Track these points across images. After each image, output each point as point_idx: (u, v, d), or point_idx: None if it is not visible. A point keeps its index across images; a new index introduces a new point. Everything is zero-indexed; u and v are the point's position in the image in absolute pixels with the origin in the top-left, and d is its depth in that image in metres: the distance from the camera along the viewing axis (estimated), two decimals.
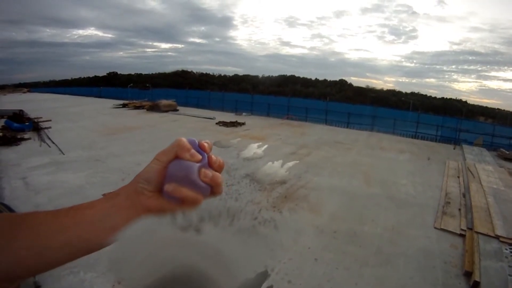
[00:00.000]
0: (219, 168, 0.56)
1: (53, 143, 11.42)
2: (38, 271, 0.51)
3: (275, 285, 4.08)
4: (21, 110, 17.38)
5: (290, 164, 9.91)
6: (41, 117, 16.80)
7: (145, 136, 13.51)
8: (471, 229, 5.79)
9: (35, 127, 14.49)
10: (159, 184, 0.52)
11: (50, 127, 14.61)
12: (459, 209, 6.82)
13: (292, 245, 5.15)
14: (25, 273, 0.51)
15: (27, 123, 14.75)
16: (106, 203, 0.53)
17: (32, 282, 3.77)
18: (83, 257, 0.52)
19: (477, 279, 4.24)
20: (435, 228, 5.97)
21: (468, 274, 4.49)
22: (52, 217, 0.51)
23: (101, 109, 23.72)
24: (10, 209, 5.25)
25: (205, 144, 0.56)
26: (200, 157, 0.53)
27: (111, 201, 0.53)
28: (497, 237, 5.43)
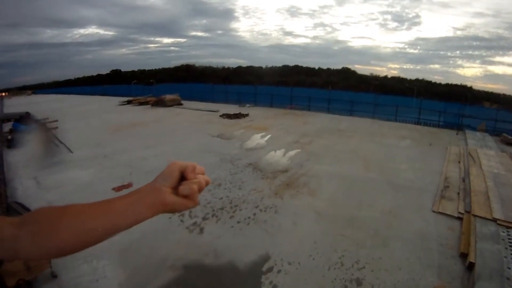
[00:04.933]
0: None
1: (61, 142, 11.64)
2: (78, 249, 0.70)
3: (275, 267, 4.30)
4: (27, 113, 17.54)
5: (292, 153, 10.10)
6: (47, 118, 16.95)
7: (151, 131, 13.73)
8: (468, 212, 5.88)
9: (42, 128, 14.65)
10: (172, 182, 0.72)
11: (57, 127, 14.83)
12: (458, 193, 6.93)
13: (293, 228, 5.37)
14: (69, 250, 0.69)
15: (34, 125, 14.95)
16: (131, 197, 0.71)
17: (49, 272, 4.01)
18: (102, 242, 0.71)
19: (472, 261, 4.35)
20: (433, 211, 6.10)
21: (464, 256, 4.60)
22: (89, 208, 0.70)
23: (106, 107, 23.92)
24: (24, 207, 5.51)
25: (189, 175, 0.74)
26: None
27: (135, 195, 0.71)
28: (494, 220, 5.52)
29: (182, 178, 0.73)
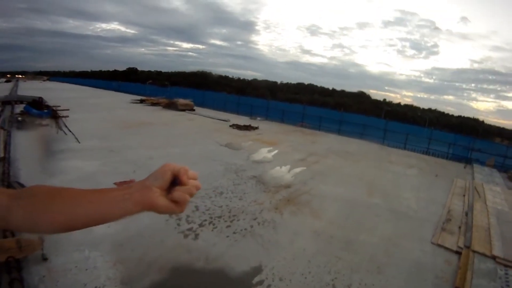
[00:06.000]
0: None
1: (70, 131, 11.76)
2: (65, 230, 0.73)
3: (266, 281, 4.26)
4: (40, 97, 17.82)
5: (297, 170, 10.07)
6: (59, 106, 17.23)
7: (160, 133, 13.83)
8: (468, 247, 5.81)
9: (54, 114, 14.91)
10: (163, 183, 0.74)
11: (67, 116, 15.00)
12: (459, 227, 6.84)
13: (288, 245, 5.32)
14: (56, 229, 0.73)
15: (45, 110, 15.17)
16: (122, 190, 0.73)
17: (40, 254, 4.03)
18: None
19: None
20: (432, 243, 6.02)
21: None
22: (82, 194, 0.74)
23: (118, 103, 24.20)
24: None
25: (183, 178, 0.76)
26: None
27: (126, 190, 0.73)
28: (493, 257, 5.45)
29: (173, 181, 0.75)
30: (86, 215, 0.72)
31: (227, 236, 5.39)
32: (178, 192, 0.73)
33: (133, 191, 0.72)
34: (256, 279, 4.29)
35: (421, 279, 4.81)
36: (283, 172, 9.64)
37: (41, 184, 0.76)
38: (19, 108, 15.54)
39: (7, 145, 9.07)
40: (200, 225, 5.67)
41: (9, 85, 39.18)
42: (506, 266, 5.26)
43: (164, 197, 0.73)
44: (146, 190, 0.72)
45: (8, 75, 69.01)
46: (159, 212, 0.73)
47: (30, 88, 29.19)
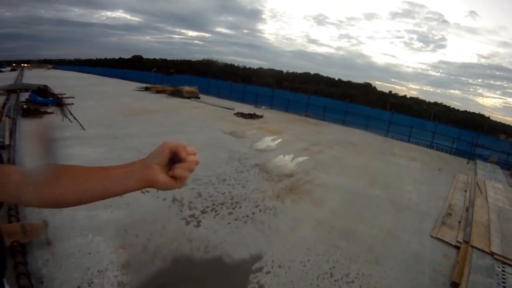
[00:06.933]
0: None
1: (75, 118, 11.83)
2: (72, 204, 0.80)
3: (265, 268, 4.34)
4: (45, 85, 17.90)
5: (301, 159, 10.12)
6: (64, 93, 17.32)
7: (164, 120, 13.84)
8: (467, 242, 5.83)
9: (59, 102, 15.00)
10: (162, 160, 0.80)
11: (73, 104, 15.06)
12: (459, 222, 6.86)
13: (289, 233, 5.39)
14: (64, 203, 0.80)
15: (51, 98, 15.26)
16: (126, 168, 0.80)
17: (44, 239, 4.12)
18: (98, 203, 0.79)
19: None
20: (431, 236, 6.06)
21: (455, 285, 4.55)
22: (88, 171, 0.82)
23: (123, 91, 24.20)
24: None
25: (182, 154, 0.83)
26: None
27: (129, 167, 0.80)
28: (491, 254, 5.47)
29: (173, 157, 0.81)
30: (92, 191, 0.78)
31: (229, 223, 5.45)
32: (178, 169, 0.80)
33: (135, 169, 0.79)
34: (256, 266, 4.36)
35: (418, 271, 4.85)
36: (286, 161, 9.69)
37: (50, 162, 0.83)
38: (24, 96, 15.64)
39: (12, 132, 9.14)
40: (203, 211, 5.74)
41: (15, 73, 39.22)
42: (503, 263, 5.28)
43: (165, 174, 0.80)
44: (147, 168, 0.78)
45: (13, 64, 69.18)
46: (160, 188, 0.80)
47: (35, 77, 29.22)
